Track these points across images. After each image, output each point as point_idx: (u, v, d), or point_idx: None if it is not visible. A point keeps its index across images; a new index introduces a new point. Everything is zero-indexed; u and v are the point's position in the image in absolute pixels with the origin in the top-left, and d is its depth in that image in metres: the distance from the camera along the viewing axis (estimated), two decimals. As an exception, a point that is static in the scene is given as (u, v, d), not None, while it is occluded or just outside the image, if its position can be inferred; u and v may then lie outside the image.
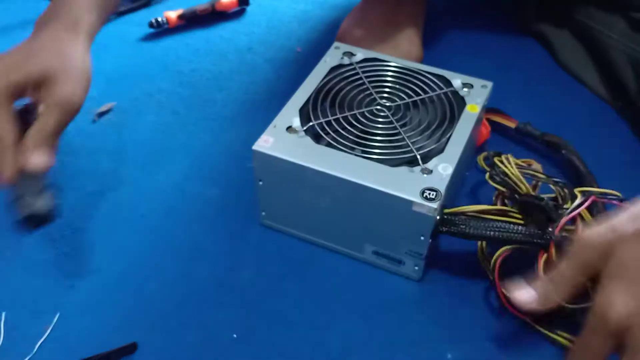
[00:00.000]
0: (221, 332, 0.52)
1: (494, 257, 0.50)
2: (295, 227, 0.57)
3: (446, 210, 0.50)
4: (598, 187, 0.56)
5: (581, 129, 0.68)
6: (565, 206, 0.49)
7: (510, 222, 0.50)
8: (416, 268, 0.54)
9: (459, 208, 0.51)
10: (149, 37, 0.83)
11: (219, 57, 0.80)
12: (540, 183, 0.53)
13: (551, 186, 0.52)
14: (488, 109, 0.62)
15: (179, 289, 0.55)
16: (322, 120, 0.56)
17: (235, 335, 0.51)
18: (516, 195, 0.51)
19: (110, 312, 0.53)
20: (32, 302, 0.54)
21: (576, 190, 0.51)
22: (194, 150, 0.68)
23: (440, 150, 0.53)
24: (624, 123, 0.70)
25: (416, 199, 0.48)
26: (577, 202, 0.49)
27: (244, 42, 0.83)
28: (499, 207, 0.52)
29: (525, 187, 0.51)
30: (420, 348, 0.50)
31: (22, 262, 0.57)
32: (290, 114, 0.56)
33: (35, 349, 0.50)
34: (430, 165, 0.51)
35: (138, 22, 0.85)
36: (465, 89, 0.59)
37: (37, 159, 0.49)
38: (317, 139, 0.54)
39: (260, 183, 0.55)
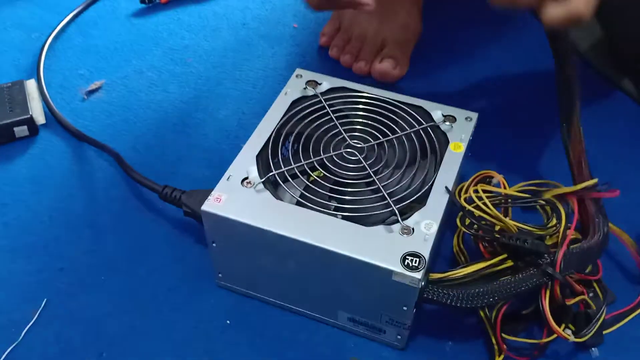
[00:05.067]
0: (214, 317, 0.50)
1: (493, 316, 0.45)
2: (256, 290, 0.50)
3: (432, 276, 0.43)
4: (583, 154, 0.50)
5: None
6: (550, 224, 0.44)
7: (503, 277, 0.43)
8: (399, 337, 0.47)
9: (446, 274, 0.44)
10: (139, 13, 0.81)
11: (212, 33, 0.78)
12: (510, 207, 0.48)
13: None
14: None
15: (171, 272, 0.53)
16: (283, 169, 0.48)
17: (228, 322, 0.50)
18: (496, 240, 0.45)
19: (100, 296, 0.51)
20: (19, 286, 0.52)
21: (552, 195, 0.45)
22: (186, 129, 0.66)
23: (422, 202, 0.46)
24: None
25: (396, 267, 0.41)
26: (563, 227, 0.44)
27: (238, 17, 0.80)
28: (488, 262, 0.44)
29: (503, 225, 0.44)
30: None
31: (9, 245, 0.55)
32: (246, 162, 0.48)
33: (21, 336, 0.48)
34: (410, 222, 0.44)
35: (128, -4, 0.83)
36: (447, 123, 0.52)
37: None
38: (278, 192, 0.47)
39: (214, 245, 0.48)
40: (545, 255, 0.43)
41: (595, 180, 0.46)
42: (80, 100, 0.69)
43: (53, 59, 0.74)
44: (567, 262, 0.43)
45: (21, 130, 0.63)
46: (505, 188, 0.48)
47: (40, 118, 0.65)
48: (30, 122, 0.63)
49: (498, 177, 0.49)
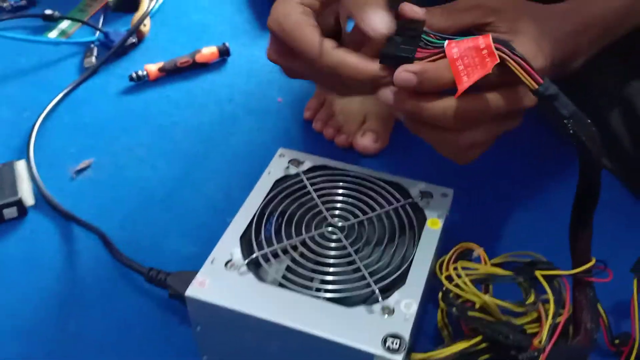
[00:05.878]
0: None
1: None
2: None
3: (414, 357, 0.44)
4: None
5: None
6: (528, 302, 0.45)
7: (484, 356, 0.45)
8: None
9: (428, 355, 0.44)
10: (129, 90, 0.83)
11: (199, 109, 0.80)
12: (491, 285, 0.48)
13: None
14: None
15: (157, 353, 0.53)
16: (266, 249, 0.49)
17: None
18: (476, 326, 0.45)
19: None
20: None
21: (542, 275, 0.46)
22: (174, 205, 0.67)
23: (402, 280, 0.47)
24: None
25: (377, 350, 0.42)
26: (549, 321, 0.44)
27: (224, 93, 0.83)
28: (469, 343, 0.45)
29: (482, 303, 0.45)
30: None
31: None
32: (230, 244, 0.49)
33: None
34: (391, 301, 0.45)
35: (118, 74, 0.85)
36: (424, 200, 0.53)
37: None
38: (261, 273, 0.48)
39: (198, 329, 0.48)
40: (527, 352, 0.43)
41: (593, 262, 0.45)
42: (69, 179, 0.70)
43: (43, 138, 0.75)
44: None
45: (10, 212, 0.64)
46: (486, 262, 0.49)
47: (29, 199, 0.66)
48: (19, 203, 0.64)
49: (478, 251, 0.50)
